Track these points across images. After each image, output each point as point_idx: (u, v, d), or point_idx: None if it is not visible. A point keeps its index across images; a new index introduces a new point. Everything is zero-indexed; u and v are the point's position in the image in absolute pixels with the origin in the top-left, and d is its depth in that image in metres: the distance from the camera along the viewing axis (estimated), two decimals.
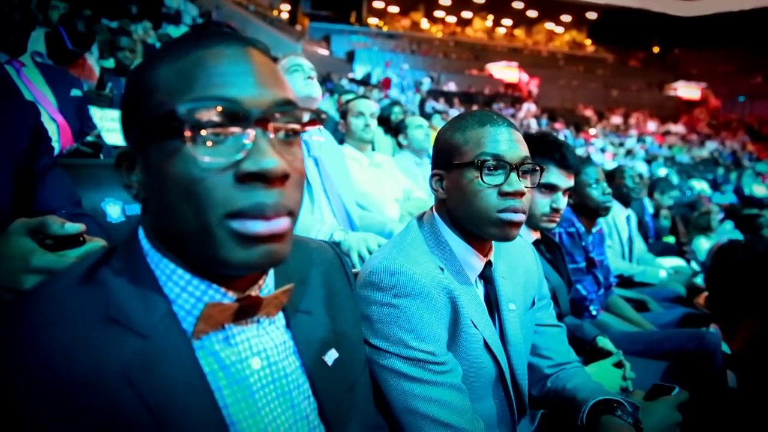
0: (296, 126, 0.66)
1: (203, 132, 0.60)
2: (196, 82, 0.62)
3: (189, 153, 0.60)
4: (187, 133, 0.59)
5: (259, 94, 0.64)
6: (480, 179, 1.11)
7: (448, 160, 1.17)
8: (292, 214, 0.65)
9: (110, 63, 3.33)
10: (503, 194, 1.11)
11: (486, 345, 1.17)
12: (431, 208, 1.26)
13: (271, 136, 0.63)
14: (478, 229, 1.15)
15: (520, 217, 1.13)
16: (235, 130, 0.61)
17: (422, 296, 1.09)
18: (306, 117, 0.67)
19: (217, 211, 0.60)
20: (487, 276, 1.24)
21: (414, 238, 1.20)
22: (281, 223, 0.63)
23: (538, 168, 1.17)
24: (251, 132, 0.61)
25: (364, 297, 1.11)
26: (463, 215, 1.16)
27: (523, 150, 1.15)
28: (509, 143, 1.13)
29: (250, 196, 0.60)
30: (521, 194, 1.12)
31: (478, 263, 1.21)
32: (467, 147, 1.14)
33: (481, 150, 1.12)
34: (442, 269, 1.14)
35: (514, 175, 1.12)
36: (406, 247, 1.16)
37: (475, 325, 1.15)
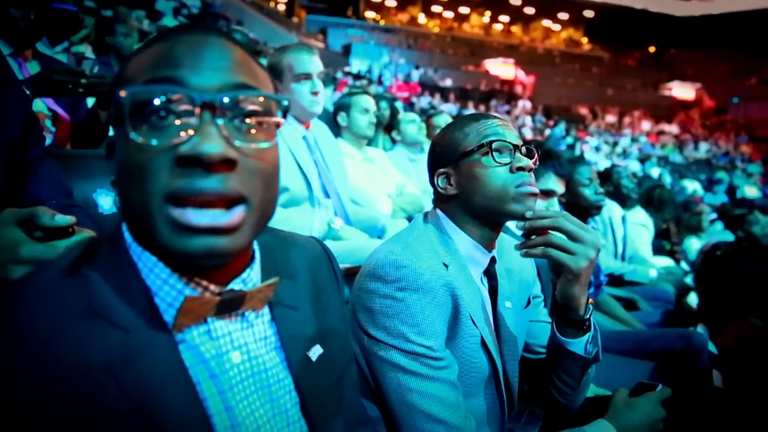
0: (256, 111, 0.64)
1: (146, 114, 0.60)
2: (148, 68, 0.63)
3: (131, 136, 0.60)
4: (129, 116, 0.59)
5: (209, 77, 0.62)
6: (491, 158, 1.17)
7: (454, 155, 1.22)
8: (246, 203, 0.62)
9: (82, 48, 3.32)
10: (514, 170, 1.17)
11: (483, 343, 1.18)
12: (434, 207, 1.28)
13: (220, 120, 0.61)
14: (499, 210, 1.18)
15: (535, 189, 1.19)
16: (181, 111, 0.60)
17: (426, 291, 1.10)
18: (270, 105, 0.65)
19: (157, 193, 0.59)
20: (491, 272, 1.26)
21: (420, 234, 1.21)
22: (228, 217, 0.60)
23: (534, 149, 1.24)
24: (196, 114, 0.60)
25: (367, 288, 1.12)
26: (482, 201, 1.18)
27: (516, 135, 1.23)
28: (505, 129, 1.22)
29: (188, 181, 0.59)
30: (530, 169, 1.19)
31: (483, 259, 1.23)
32: (470, 138, 1.21)
33: (484, 136, 1.20)
34: (446, 266, 1.16)
35: (518, 154, 1.19)
36: (412, 242, 1.17)
37: (474, 323, 1.16)
